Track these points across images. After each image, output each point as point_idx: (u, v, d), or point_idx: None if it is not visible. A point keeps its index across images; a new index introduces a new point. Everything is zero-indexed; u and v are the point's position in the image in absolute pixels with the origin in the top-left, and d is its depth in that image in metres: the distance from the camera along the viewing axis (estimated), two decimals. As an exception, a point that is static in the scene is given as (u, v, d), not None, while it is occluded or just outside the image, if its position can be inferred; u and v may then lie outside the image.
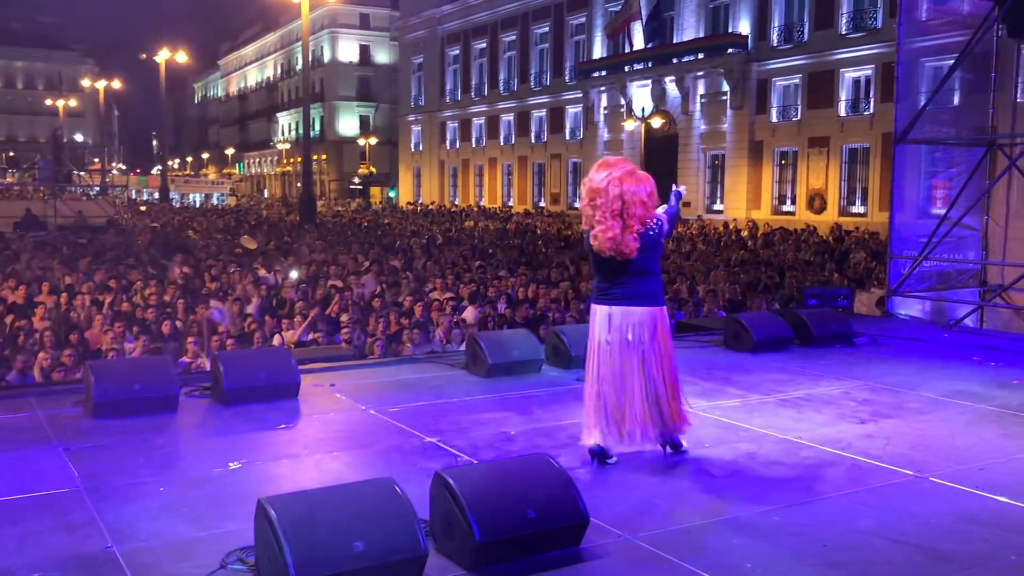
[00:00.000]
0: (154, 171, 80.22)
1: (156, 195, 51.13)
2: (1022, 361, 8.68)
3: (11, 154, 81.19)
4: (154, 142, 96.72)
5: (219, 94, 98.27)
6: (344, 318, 11.22)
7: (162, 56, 42.89)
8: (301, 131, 62.10)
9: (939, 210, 11.85)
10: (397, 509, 3.68)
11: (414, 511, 3.70)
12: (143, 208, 40.84)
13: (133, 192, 56.57)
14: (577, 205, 42.68)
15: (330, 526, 3.54)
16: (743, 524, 4.40)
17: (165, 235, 22.40)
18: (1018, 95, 12.64)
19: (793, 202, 33.30)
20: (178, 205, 46.55)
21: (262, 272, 15.21)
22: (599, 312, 5.32)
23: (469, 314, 11.75)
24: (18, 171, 54.11)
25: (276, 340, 10.85)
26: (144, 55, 47.89)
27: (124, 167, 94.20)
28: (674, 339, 5.74)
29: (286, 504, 3.58)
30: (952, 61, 12.10)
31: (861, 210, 30.63)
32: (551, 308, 12.46)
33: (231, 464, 5.17)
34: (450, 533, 3.87)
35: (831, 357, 8.67)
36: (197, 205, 48.76)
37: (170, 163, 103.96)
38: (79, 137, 74.83)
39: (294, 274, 14.59)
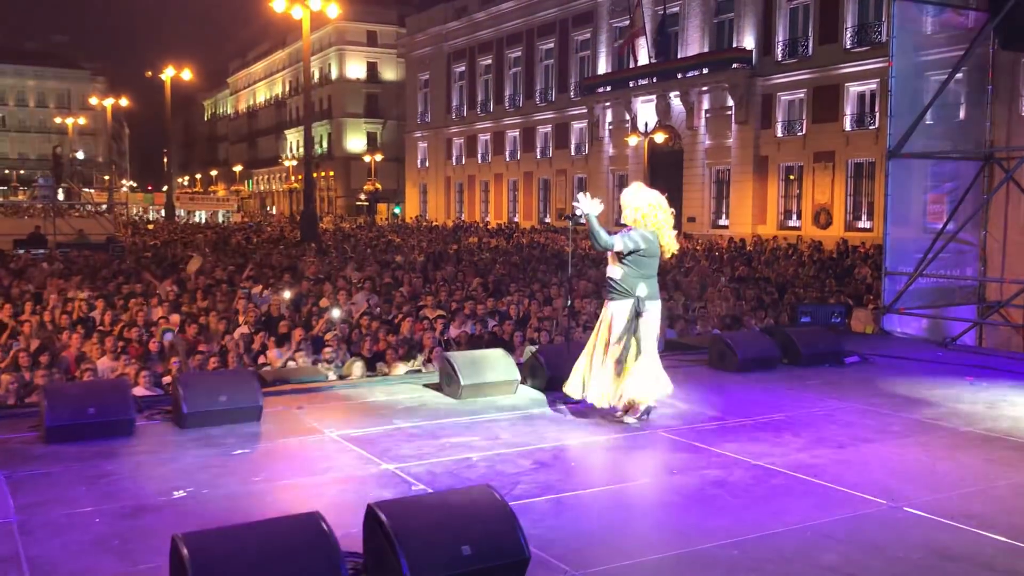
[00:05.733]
0: (165, 188, 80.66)
1: (163, 212, 51.23)
2: (1017, 380, 8.44)
3: (22, 172, 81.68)
4: (166, 159, 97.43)
5: (228, 111, 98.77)
6: (328, 337, 11.04)
7: (167, 74, 43.06)
8: (308, 148, 62.12)
9: (938, 225, 11.63)
10: (322, 546, 3.49)
11: (339, 548, 3.50)
12: (151, 226, 40.82)
13: (136, 209, 56.71)
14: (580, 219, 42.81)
15: (248, 565, 3.35)
16: (700, 559, 4.18)
17: (162, 253, 22.32)
18: (1021, 108, 12.43)
19: (799, 217, 33.04)
20: (183, 222, 46.63)
21: (257, 290, 15.09)
22: (654, 307, 6.62)
23: (455, 332, 11.56)
24: (28, 189, 54.37)
25: (261, 360, 10.70)
26: (150, 72, 47.99)
27: (135, 184, 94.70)
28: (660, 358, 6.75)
29: (202, 541, 3.39)
30: (960, 75, 11.90)
31: (867, 225, 30.31)
32: (543, 326, 12.22)
33: (176, 493, 4.98)
34: (381, 570, 3.67)
35: (818, 377, 8.43)
36: (203, 222, 48.89)
37: (180, 180, 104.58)
38: (80, 155, 75.05)
39: (287, 293, 14.41)
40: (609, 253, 6.66)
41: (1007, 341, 11.71)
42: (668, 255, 6.79)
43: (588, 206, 6.38)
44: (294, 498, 4.90)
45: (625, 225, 6.74)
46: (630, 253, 6.52)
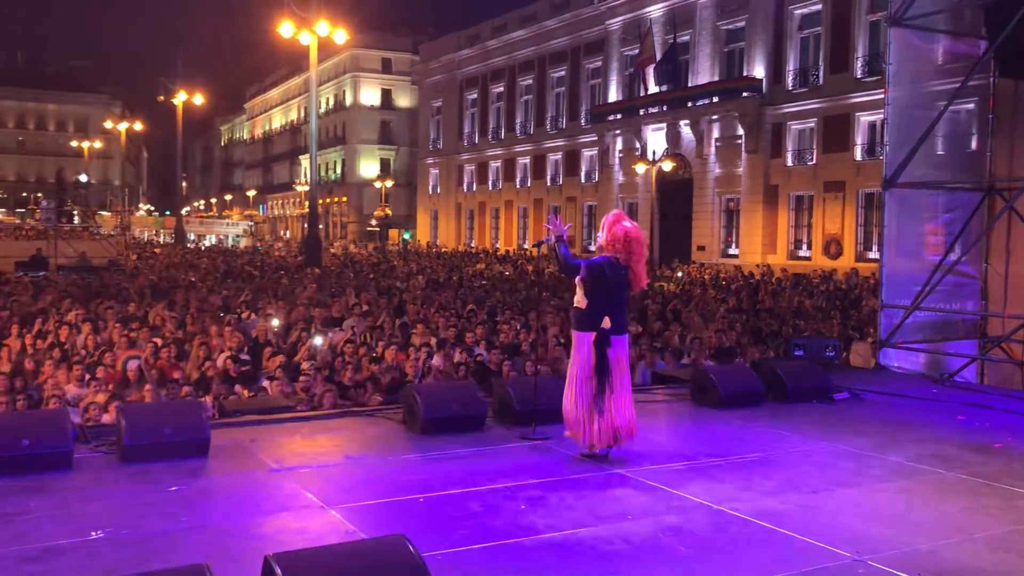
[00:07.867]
0: (184, 211, 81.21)
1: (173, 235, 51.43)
2: (1012, 420, 8.06)
3: (39, 195, 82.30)
4: (183, 183, 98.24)
5: (244, 136, 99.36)
6: (305, 365, 10.77)
7: (179, 99, 43.33)
8: (322, 174, 62.29)
9: (938, 257, 11.27)
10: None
11: (222, 605, 3.21)
12: (157, 251, 40.90)
13: (148, 232, 56.78)
14: (592, 248, 42.71)
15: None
16: (635, 617, 3.86)
17: (160, 277, 22.17)
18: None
19: (809, 247, 32.66)
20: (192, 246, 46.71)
21: (246, 315, 14.87)
22: (620, 341, 6.30)
23: (438, 361, 11.26)
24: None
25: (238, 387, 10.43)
26: (162, 97, 48.30)
27: (152, 208, 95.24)
28: (639, 392, 6.74)
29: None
30: (971, 105, 11.57)
31: (878, 255, 29.80)
32: (532, 356, 11.87)
33: (93, 533, 4.70)
34: (274, 629, 3.37)
35: (802, 415, 8.07)
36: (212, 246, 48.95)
37: (196, 204, 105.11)
38: (83, 178, 75.53)
39: (275, 320, 14.17)
40: (576, 281, 6.42)
41: (1010, 377, 11.28)
42: (636, 290, 6.56)
43: (559, 228, 6.26)
44: (209, 543, 4.59)
45: (591, 252, 6.54)
46: (596, 282, 6.27)
